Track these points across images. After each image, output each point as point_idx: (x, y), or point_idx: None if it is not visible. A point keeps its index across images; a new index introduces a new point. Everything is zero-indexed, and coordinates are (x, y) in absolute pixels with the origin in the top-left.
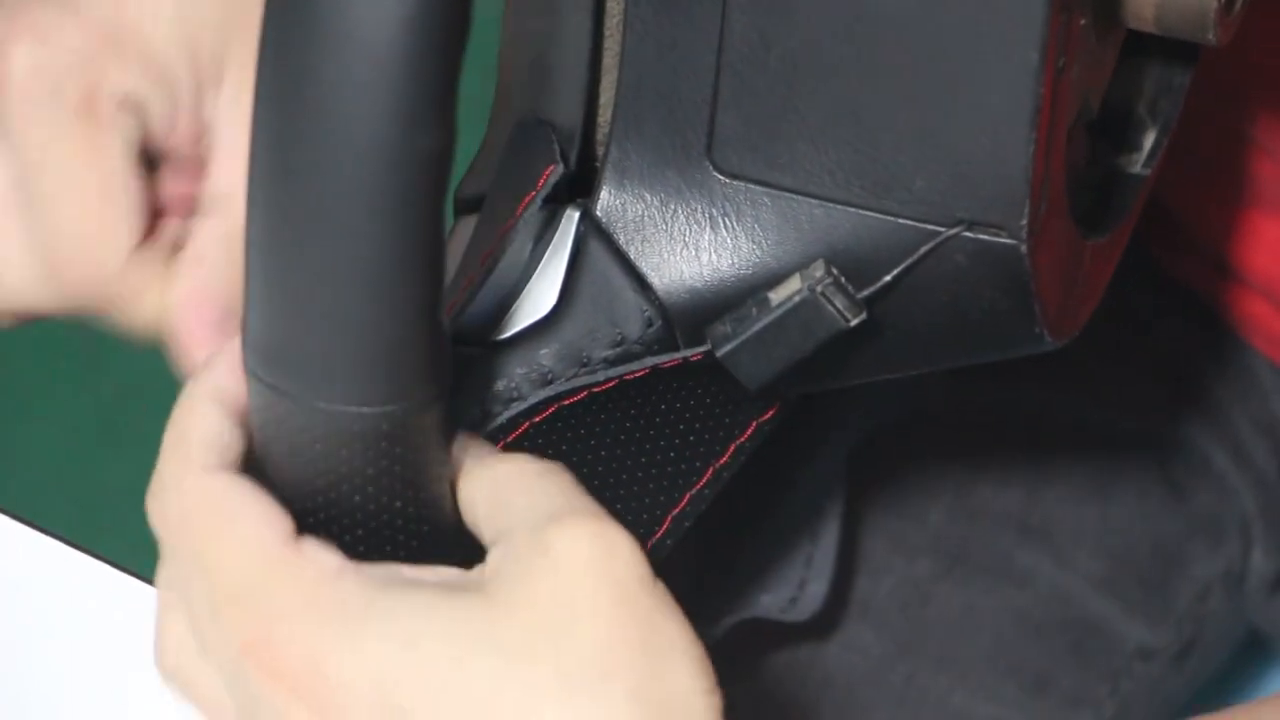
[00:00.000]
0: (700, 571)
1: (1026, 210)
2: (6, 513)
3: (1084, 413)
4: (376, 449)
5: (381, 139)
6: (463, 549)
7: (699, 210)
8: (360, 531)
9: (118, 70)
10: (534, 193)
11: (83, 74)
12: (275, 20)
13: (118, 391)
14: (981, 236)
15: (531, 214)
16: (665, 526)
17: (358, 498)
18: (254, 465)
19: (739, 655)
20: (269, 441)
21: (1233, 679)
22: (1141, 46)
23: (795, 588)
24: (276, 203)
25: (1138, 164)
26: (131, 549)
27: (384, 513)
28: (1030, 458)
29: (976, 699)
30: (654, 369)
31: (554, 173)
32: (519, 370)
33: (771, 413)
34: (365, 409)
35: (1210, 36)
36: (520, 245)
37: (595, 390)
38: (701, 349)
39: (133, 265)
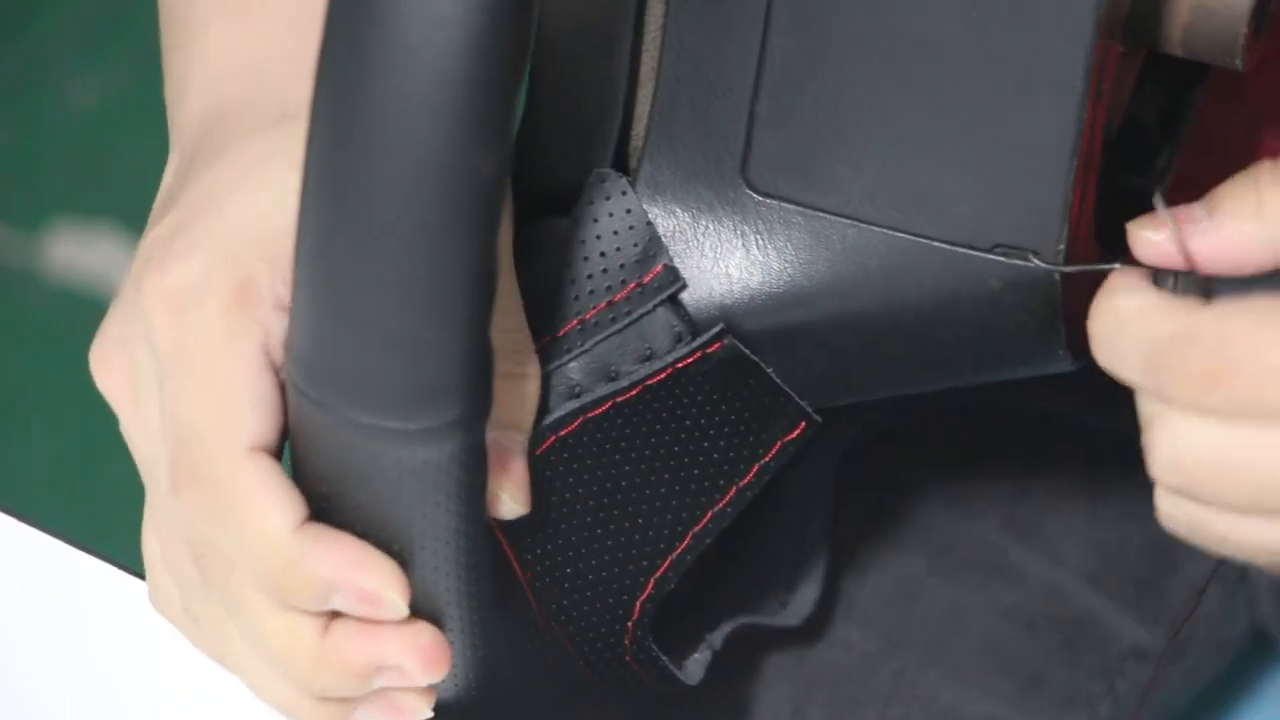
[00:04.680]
0: (698, 578)
1: (1064, 236)
2: (8, 512)
3: (1075, 413)
4: (416, 465)
5: (439, 159)
6: (496, 563)
7: (731, 227)
8: (396, 547)
9: (269, 273)
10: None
11: (234, 272)
12: (335, 38)
13: None
14: (1015, 261)
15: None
16: (686, 543)
17: (396, 514)
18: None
19: (733, 660)
20: (309, 456)
21: (1238, 678)
22: (1153, 64)
23: (785, 592)
24: (328, 217)
25: (1150, 181)
26: (133, 549)
27: (417, 527)
28: (1020, 456)
29: (967, 696)
30: (674, 369)
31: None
32: (548, 383)
33: (797, 432)
34: (408, 425)
35: (1237, 62)
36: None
37: (619, 400)
38: (716, 333)
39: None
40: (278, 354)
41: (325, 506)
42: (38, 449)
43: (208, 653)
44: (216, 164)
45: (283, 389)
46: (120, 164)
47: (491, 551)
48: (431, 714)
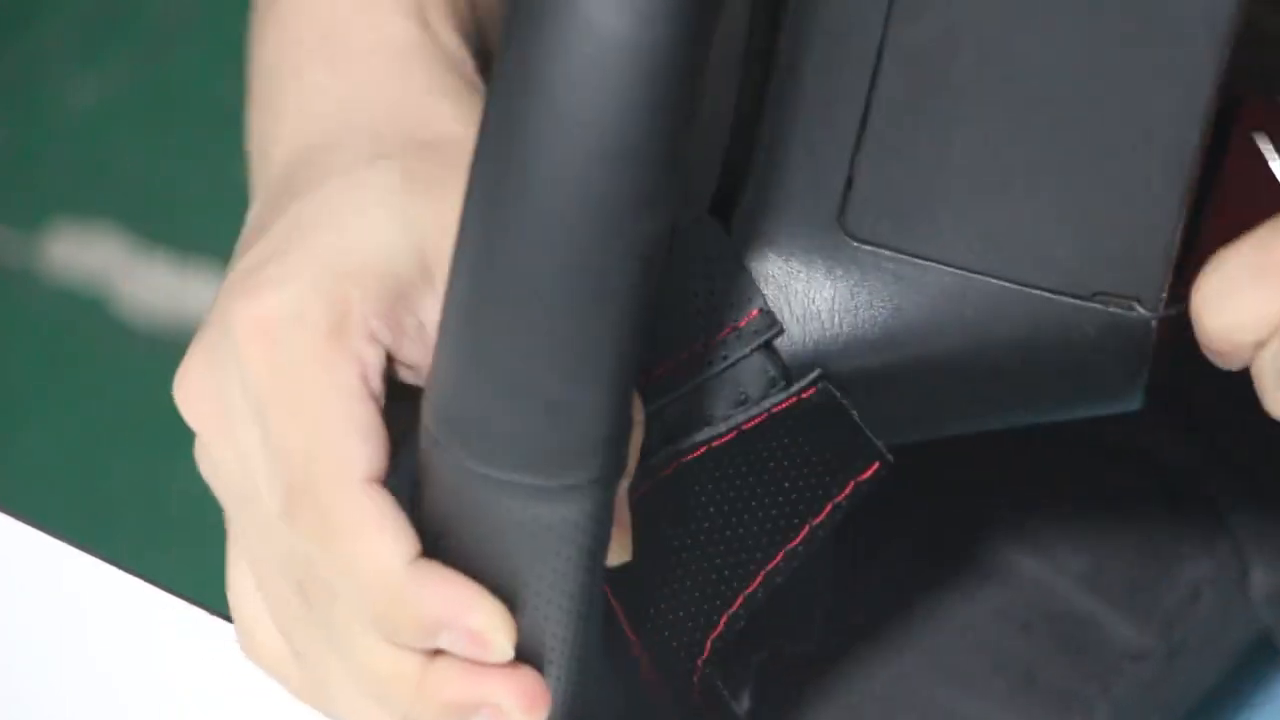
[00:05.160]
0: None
1: (1166, 284)
2: (7, 512)
3: (1089, 431)
4: (553, 521)
5: (606, 225)
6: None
7: (825, 270)
8: (508, 594)
9: (363, 306)
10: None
11: (329, 303)
12: (503, 99)
13: (119, 391)
14: (1113, 309)
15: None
16: (759, 581)
17: (519, 564)
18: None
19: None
20: (432, 503)
21: (1241, 683)
22: None
23: (801, 616)
24: (486, 274)
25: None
26: (133, 549)
27: (540, 577)
28: (1015, 460)
29: (965, 696)
30: (770, 414)
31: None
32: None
33: (870, 472)
34: (550, 483)
35: None
36: None
37: (714, 445)
38: (813, 379)
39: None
40: (375, 385)
41: (438, 549)
42: (37, 449)
43: (305, 696)
44: (307, 198)
45: (385, 420)
46: (120, 164)
47: (603, 602)
48: None
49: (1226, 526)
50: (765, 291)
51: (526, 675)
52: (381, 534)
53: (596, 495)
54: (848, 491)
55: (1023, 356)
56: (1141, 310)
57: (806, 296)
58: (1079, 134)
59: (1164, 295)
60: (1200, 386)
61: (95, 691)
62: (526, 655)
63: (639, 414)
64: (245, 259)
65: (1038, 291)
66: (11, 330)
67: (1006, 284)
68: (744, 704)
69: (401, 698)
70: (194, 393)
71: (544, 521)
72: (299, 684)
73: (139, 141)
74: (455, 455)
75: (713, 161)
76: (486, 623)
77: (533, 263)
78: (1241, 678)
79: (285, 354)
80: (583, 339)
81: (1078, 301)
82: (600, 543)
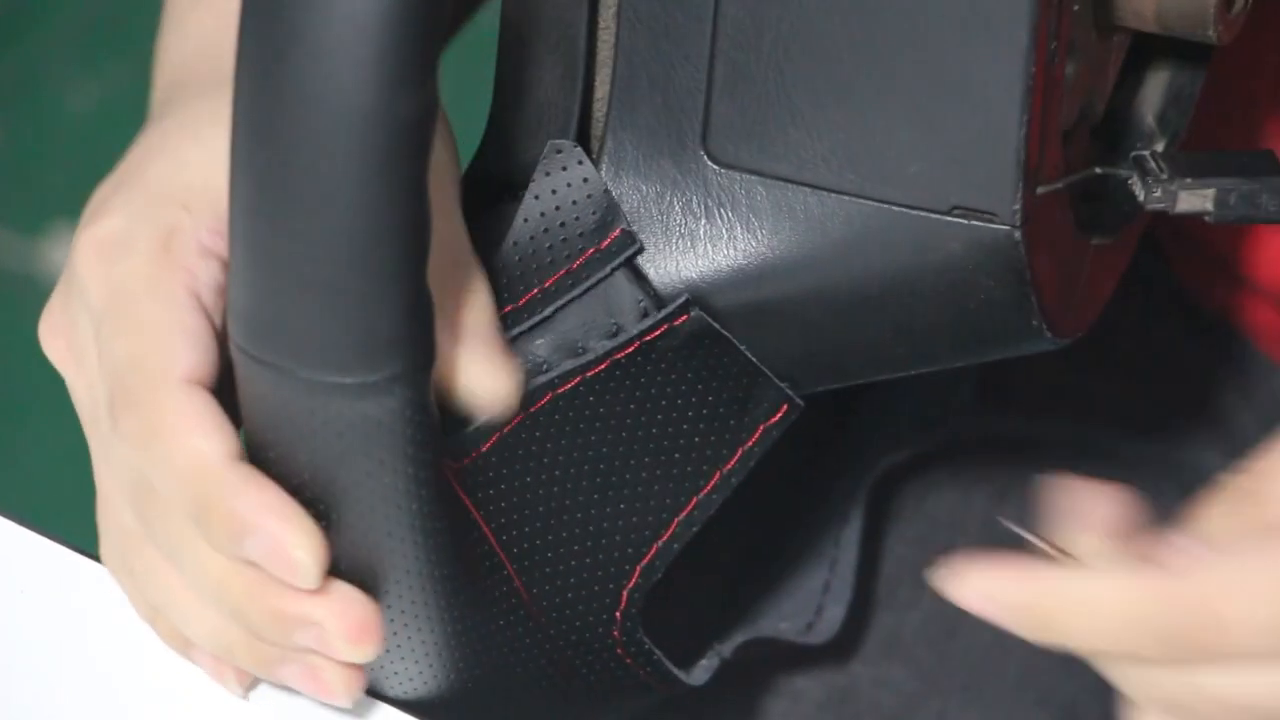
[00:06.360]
0: (710, 589)
1: (1019, 195)
2: (8, 516)
3: (1110, 441)
4: (357, 421)
5: (356, 104)
6: (456, 524)
7: (694, 201)
8: (341, 512)
9: (193, 222)
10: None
11: (158, 222)
12: None
13: None
14: (974, 223)
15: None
16: (671, 530)
17: (340, 475)
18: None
19: (756, 670)
20: (252, 416)
21: None
22: (1151, 55)
23: (812, 614)
24: (255, 169)
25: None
26: None
27: (364, 487)
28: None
29: None
30: (642, 343)
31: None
32: None
33: (779, 415)
34: (345, 379)
35: (1210, 34)
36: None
37: (588, 375)
38: (681, 304)
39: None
40: (207, 297)
41: (270, 469)
42: (38, 453)
43: (141, 610)
44: (155, 128)
45: (214, 330)
46: None
47: (449, 522)
48: (349, 703)
49: None
50: (639, 225)
51: (354, 601)
52: (196, 429)
53: (401, 392)
54: (757, 436)
55: (898, 280)
56: (1000, 224)
57: (680, 228)
58: (913, 44)
59: (1016, 207)
60: (1235, 403)
61: (95, 692)
62: (360, 579)
63: (479, 277)
64: (97, 193)
65: (896, 208)
66: (11, 332)
67: (865, 201)
68: (697, 676)
69: (234, 601)
70: (51, 329)
71: (348, 422)
72: (137, 600)
73: None
74: (256, 358)
75: (572, 96)
76: (293, 536)
77: (295, 153)
78: None
79: (117, 272)
80: (348, 225)
81: (936, 215)
82: (419, 446)
